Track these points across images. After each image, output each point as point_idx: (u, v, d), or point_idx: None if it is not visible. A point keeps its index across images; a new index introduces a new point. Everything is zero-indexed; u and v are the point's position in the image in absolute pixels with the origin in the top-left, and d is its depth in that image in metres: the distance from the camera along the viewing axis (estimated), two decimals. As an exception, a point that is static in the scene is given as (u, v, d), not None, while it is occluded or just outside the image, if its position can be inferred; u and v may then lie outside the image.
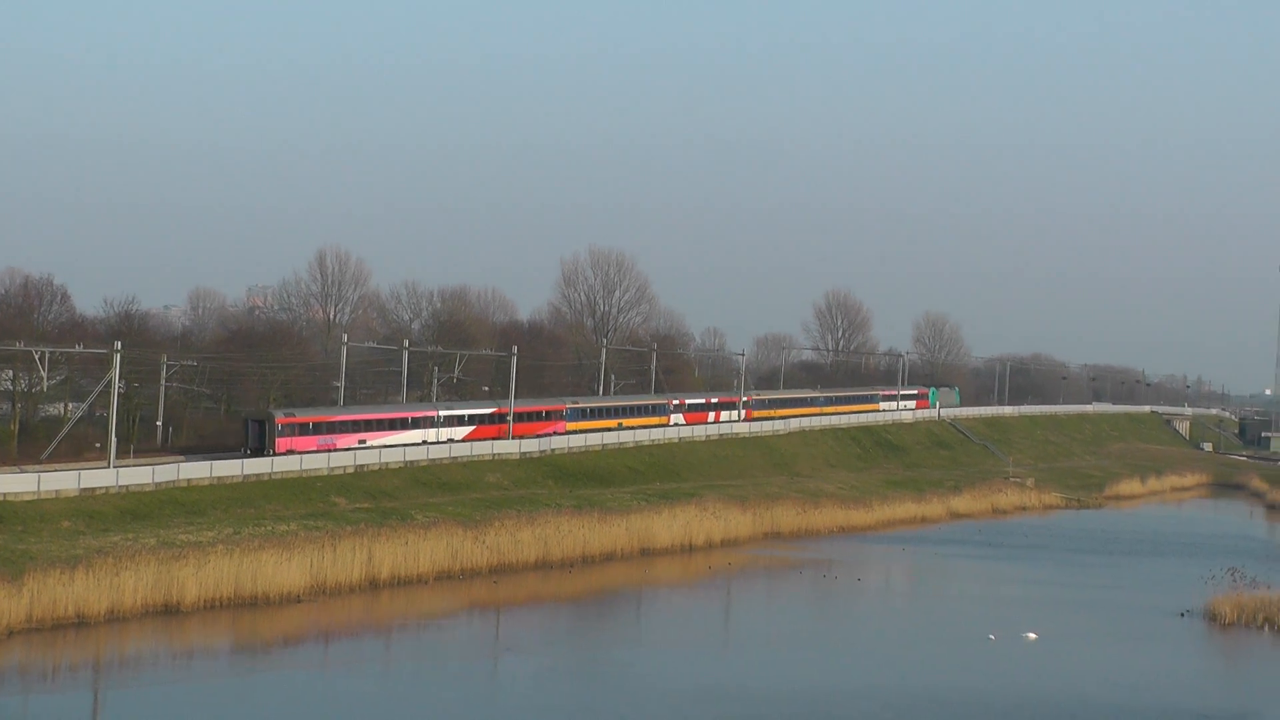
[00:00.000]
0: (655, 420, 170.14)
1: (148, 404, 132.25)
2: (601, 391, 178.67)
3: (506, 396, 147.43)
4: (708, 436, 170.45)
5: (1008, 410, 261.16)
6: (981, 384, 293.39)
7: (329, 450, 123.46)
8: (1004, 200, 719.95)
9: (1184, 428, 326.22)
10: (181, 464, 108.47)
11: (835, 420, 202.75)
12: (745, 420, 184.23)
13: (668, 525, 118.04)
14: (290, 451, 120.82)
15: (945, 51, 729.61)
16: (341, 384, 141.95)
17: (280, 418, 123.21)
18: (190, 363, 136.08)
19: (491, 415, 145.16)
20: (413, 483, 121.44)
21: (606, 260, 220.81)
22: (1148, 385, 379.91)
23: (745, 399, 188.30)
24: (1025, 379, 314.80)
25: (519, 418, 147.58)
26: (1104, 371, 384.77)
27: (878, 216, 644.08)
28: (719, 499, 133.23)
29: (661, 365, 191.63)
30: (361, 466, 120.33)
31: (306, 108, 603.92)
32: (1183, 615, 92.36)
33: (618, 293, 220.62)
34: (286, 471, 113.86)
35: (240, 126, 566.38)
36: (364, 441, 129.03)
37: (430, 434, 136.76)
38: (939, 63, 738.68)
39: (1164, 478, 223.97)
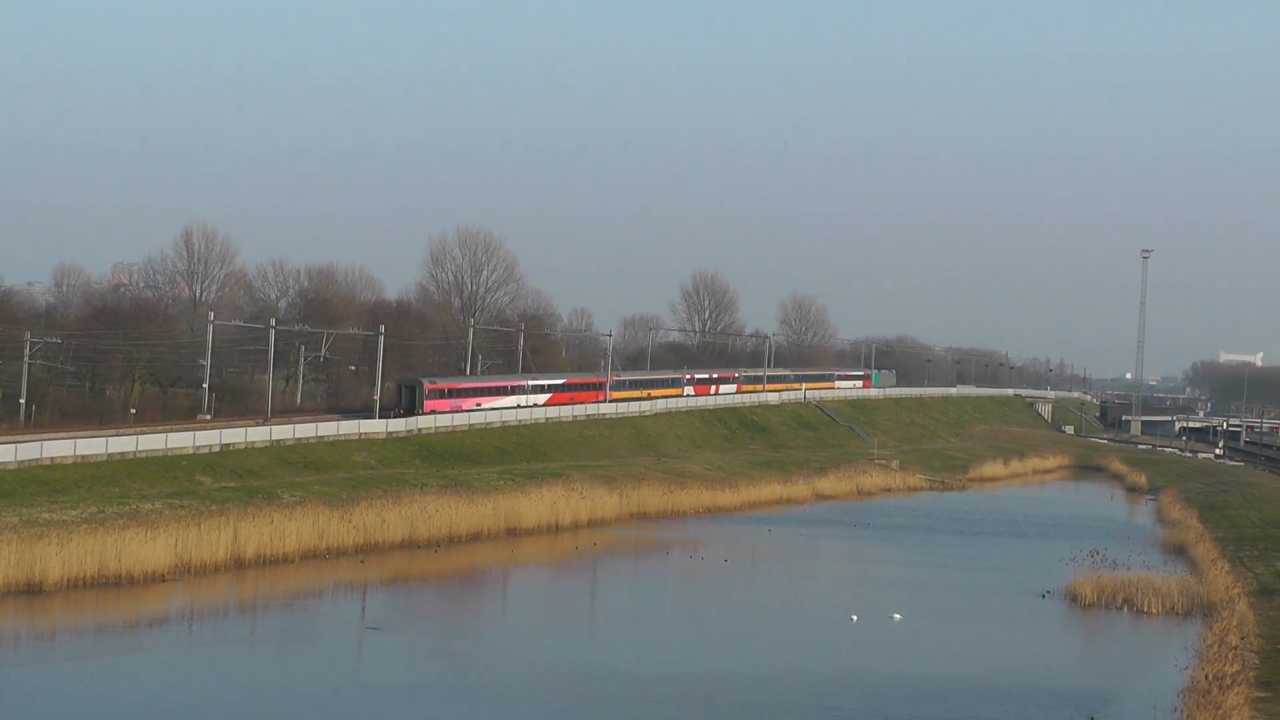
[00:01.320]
0: (673, 391, 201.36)
1: (11, 381, 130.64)
2: (467, 370, 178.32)
3: (387, 375, 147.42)
4: (574, 417, 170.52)
5: (873, 392, 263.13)
6: (847, 367, 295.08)
7: (458, 411, 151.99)
8: (870, 186, 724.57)
9: (1046, 411, 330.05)
10: (44, 442, 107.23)
11: (702, 402, 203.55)
12: (738, 392, 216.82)
13: (534, 505, 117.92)
14: (434, 412, 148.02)
15: (806, 38, 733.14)
16: (207, 363, 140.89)
17: (428, 384, 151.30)
18: (54, 340, 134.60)
19: (563, 385, 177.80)
20: (279, 462, 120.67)
21: (474, 240, 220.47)
22: (1011, 369, 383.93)
23: (737, 374, 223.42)
24: (891, 361, 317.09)
25: (579, 388, 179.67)
26: (968, 355, 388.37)
27: (746, 199, 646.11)
28: (586, 479, 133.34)
29: (529, 345, 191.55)
30: (227, 445, 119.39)
31: (174, 87, 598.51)
32: (1045, 596, 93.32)
33: (485, 272, 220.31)
34: (151, 450, 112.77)
35: (106, 104, 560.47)
36: (479, 405, 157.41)
37: (523, 399, 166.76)
38: (801, 48, 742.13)
39: (1026, 460, 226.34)
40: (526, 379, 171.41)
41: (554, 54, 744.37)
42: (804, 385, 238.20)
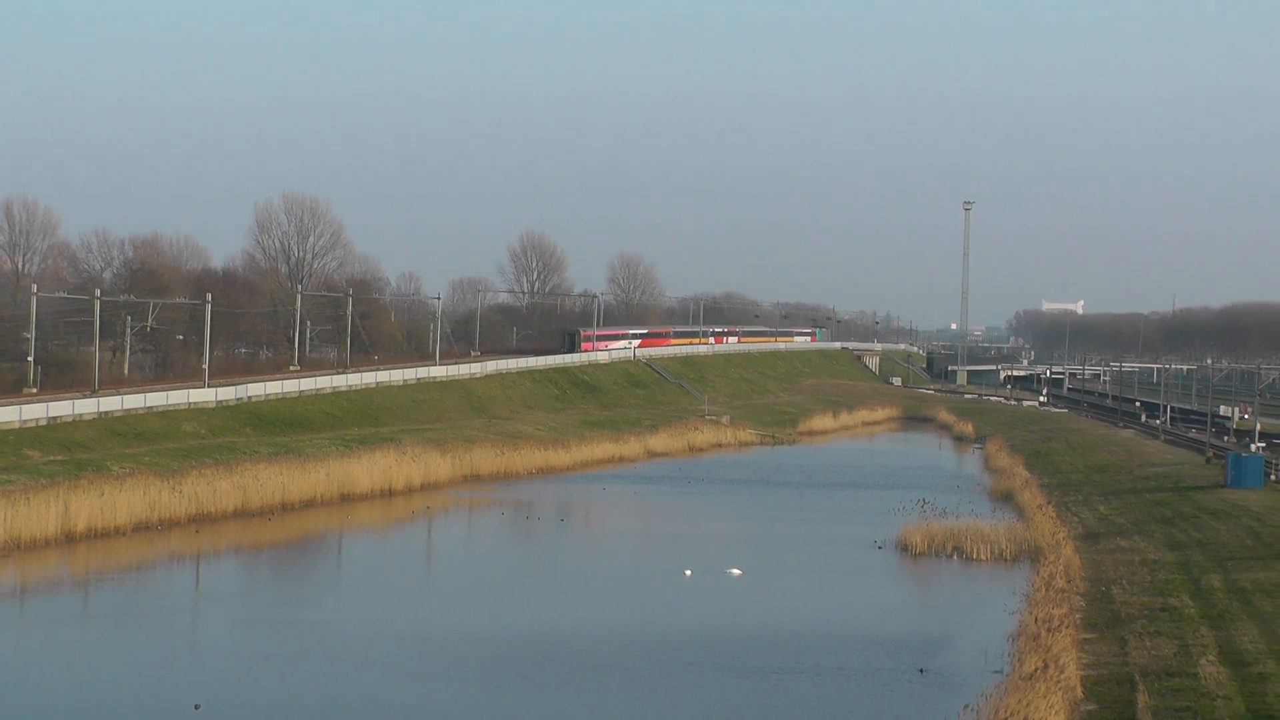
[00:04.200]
0: (701, 341, 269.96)
1: None
2: (296, 337, 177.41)
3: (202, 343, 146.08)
4: (404, 380, 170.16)
5: (703, 349, 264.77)
6: (676, 323, 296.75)
7: (600, 350, 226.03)
8: (692, 141, 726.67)
9: (874, 363, 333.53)
10: None
11: (532, 362, 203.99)
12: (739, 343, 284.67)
13: (367, 470, 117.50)
14: (591, 350, 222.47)
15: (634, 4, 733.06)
16: (32, 335, 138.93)
17: (584, 331, 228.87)
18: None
19: (647, 333, 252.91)
20: (108, 434, 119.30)
21: (300, 206, 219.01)
22: (839, 322, 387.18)
23: (737, 330, 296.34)
24: (719, 318, 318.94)
25: (653, 337, 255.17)
26: (796, 309, 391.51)
27: (571, 159, 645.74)
28: (418, 443, 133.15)
29: (357, 310, 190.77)
30: (54, 418, 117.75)
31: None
32: (880, 547, 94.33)
33: (312, 238, 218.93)
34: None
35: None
36: (609, 349, 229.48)
37: (625, 343, 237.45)
38: (627, 11, 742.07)
39: (855, 412, 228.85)
40: (628, 329, 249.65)
41: (376, 14, 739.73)
42: (778, 339, 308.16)
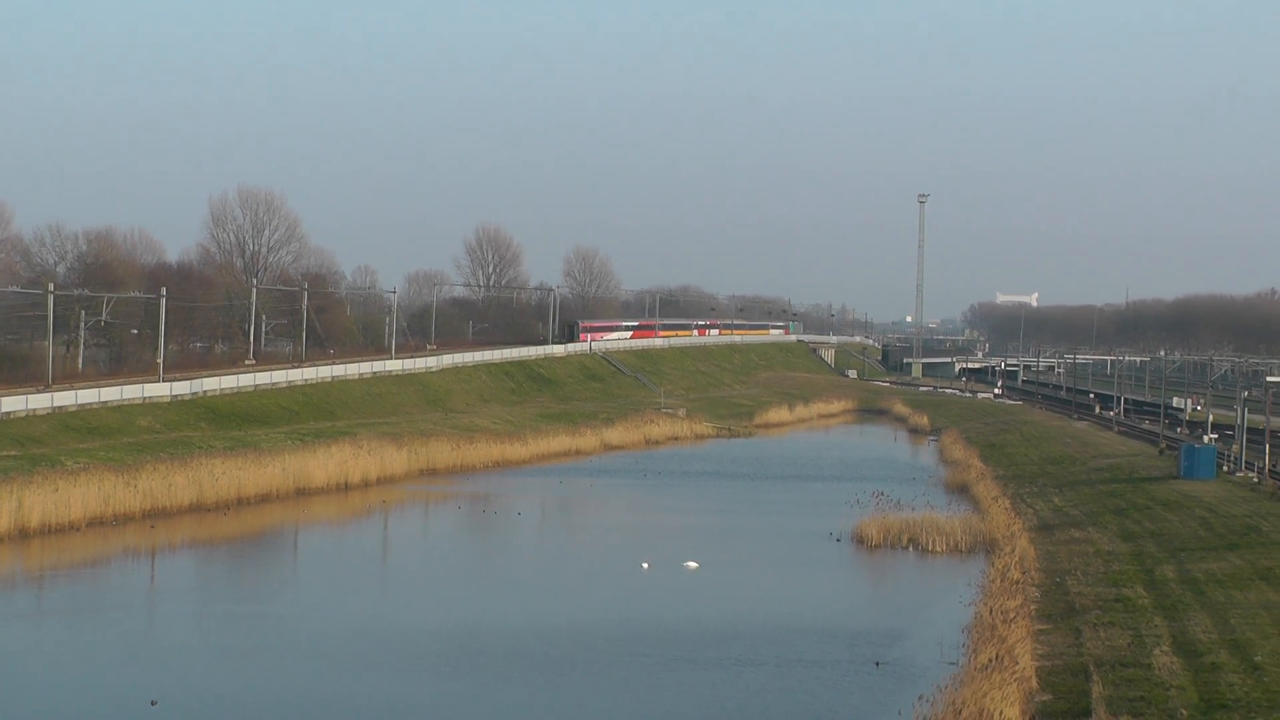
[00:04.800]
0: (684, 333, 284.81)
1: None
2: (252, 331, 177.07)
3: (157, 337, 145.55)
4: (361, 374, 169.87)
5: (658, 342, 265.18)
6: (632, 317, 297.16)
7: (595, 340, 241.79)
8: (648, 135, 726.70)
9: (830, 356, 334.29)
10: None
11: (488, 355, 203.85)
12: (720, 335, 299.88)
13: (323, 464, 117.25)
14: (589, 341, 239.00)
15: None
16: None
17: (583, 323, 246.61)
18: None
19: (639, 325, 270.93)
20: (62, 429, 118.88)
21: (255, 199, 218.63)
22: (795, 315, 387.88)
23: (718, 324, 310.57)
24: (675, 310, 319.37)
25: (643, 329, 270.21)
26: (752, 302, 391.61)
27: (526, 152, 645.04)
28: (374, 437, 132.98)
29: (313, 304, 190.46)
30: (8, 413, 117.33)
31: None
32: (842, 541, 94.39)
33: (267, 232, 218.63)
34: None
35: None
36: (604, 339, 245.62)
37: (619, 335, 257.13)
38: (577, 9, 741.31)
39: (811, 405, 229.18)
40: (621, 321, 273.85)
41: (329, 10, 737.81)
42: (754, 332, 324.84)
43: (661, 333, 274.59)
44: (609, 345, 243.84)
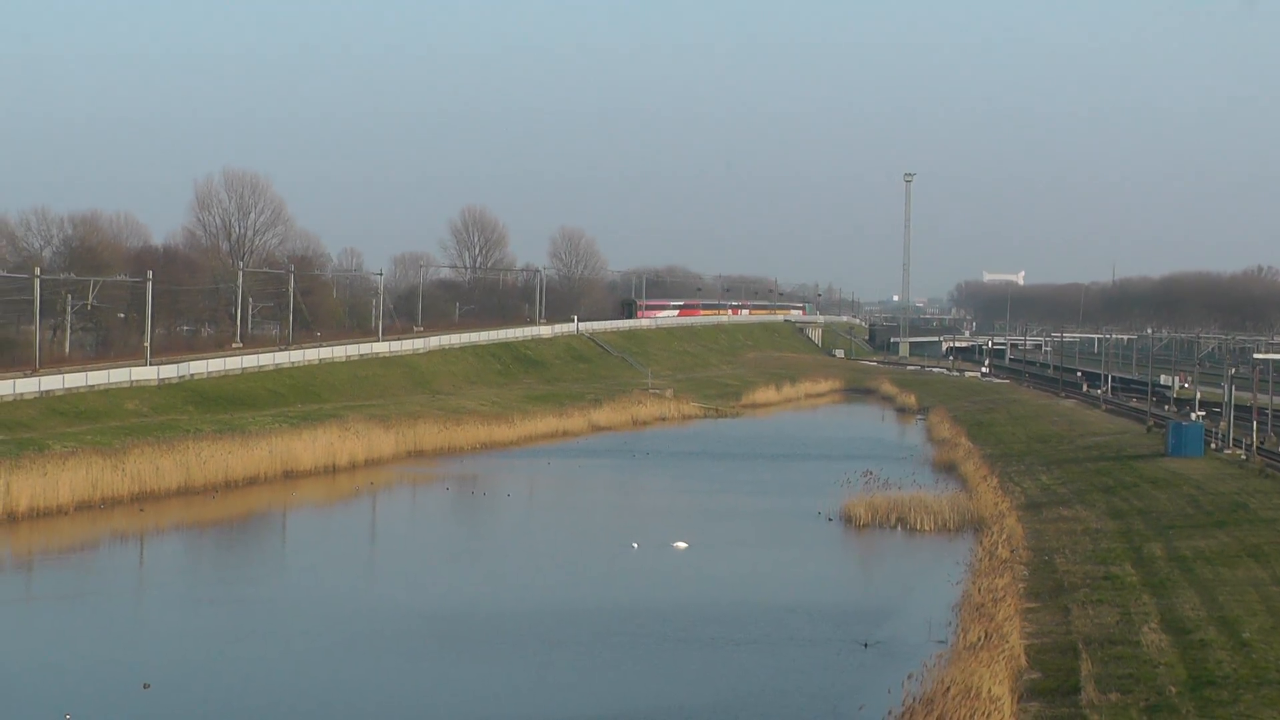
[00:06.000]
0: (720, 312, 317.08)
1: None
2: (238, 314, 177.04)
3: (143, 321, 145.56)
4: (348, 357, 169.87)
5: (645, 323, 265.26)
6: (619, 298, 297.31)
7: (648, 317, 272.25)
8: (632, 115, 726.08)
9: (817, 336, 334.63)
10: None
11: (475, 337, 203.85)
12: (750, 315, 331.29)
13: (310, 447, 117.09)
14: (646, 318, 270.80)
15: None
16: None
17: (639, 301, 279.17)
18: None
19: (684, 304, 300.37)
20: (49, 412, 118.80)
21: (241, 182, 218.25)
22: (781, 294, 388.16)
23: (747, 304, 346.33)
24: (661, 290, 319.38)
25: (687, 308, 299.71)
26: (738, 282, 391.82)
27: (512, 132, 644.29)
28: (361, 419, 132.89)
29: (299, 287, 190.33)
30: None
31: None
32: (830, 520, 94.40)
33: (253, 215, 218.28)
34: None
35: None
36: (656, 317, 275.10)
37: (669, 313, 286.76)
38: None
39: (798, 385, 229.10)
40: (669, 301, 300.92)
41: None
42: (776, 312, 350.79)
43: (702, 311, 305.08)
44: (595, 326, 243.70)
